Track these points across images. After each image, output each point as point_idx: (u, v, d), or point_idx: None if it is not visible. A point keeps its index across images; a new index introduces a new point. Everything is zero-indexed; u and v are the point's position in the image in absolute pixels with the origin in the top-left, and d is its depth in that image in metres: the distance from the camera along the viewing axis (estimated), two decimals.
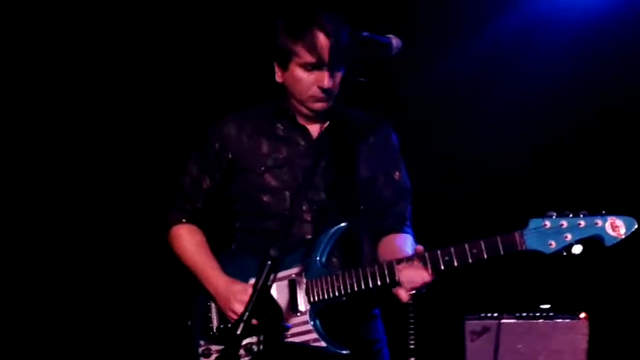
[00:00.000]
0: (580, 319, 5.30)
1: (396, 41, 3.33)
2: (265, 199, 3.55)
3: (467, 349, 5.48)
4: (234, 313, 3.41)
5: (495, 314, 5.45)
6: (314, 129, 3.61)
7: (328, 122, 3.57)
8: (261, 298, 2.83)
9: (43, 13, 5.68)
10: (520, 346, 5.36)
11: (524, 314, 5.41)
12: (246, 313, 2.82)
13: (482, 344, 5.43)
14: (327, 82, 3.42)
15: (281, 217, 3.40)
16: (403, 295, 3.28)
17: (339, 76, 3.46)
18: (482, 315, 5.50)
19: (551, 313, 5.38)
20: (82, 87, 5.82)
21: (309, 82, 3.45)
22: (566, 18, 5.80)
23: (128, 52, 5.85)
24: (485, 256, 3.14)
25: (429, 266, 3.24)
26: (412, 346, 5.45)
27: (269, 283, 2.90)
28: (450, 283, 5.82)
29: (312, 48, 3.39)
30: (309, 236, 3.49)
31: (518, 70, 5.90)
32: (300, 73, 3.44)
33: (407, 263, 3.26)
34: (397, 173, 3.67)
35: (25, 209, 5.82)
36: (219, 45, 5.83)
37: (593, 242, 2.99)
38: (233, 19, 5.74)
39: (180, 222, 3.72)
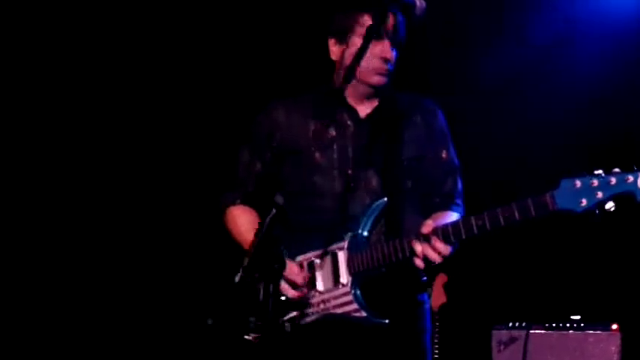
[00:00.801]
0: (612, 330, 5.15)
1: (420, 2, 3.33)
2: (315, 178, 3.61)
3: None
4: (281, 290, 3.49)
5: (524, 324, 5.33)
6: (362, 110, 3.65)
7: (377, 103, 3.62)
8: (264, 246, 2.81)
9: (42, 13, 5.68)
10: (549, 357, 5.22)
11: (554, 325, 5.28)
12: (246, 259, 2.81)
13: (510, 355, 5.32)
14: (389, 53, 3.50)
15: (330, 195, 3.53)
16: (418, 262, 3.34)
17: (394, 53, 3.55)
18: (511, 325, 5.38)
19: (582, 324, 5.24)
20: (95, 83, 5.88)
21: (374, 53, 3.49)
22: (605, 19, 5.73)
23: (149, 44, 5.88)
24: (518, 218, 3.11)
25: (450, 238, 3.29)
26: (437, 356, 5.35)
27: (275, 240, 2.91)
28: (477, 291, 5.88)
29: (379, 18, 3.38)
30: (353, 213, 3.55)
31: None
32: (364, 44, 3.34)
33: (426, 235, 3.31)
34: (444, 152, 3.70)
35: (24, 209, 5.81)
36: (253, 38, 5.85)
37: (626, 199, 2.95)
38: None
39: (234, 204, 3.79)
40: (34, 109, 5.78)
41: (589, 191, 2.98)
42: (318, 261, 3.52)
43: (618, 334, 5.11)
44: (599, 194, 2.96)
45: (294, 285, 3.50)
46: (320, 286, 3.51)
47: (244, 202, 3.79)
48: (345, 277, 3.47)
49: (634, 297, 5.57)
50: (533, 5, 5.79)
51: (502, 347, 5.35)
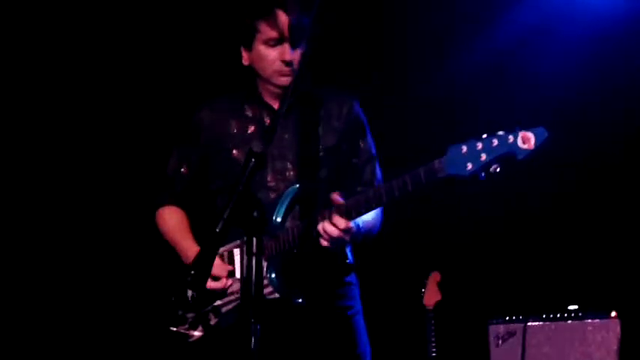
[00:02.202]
0: (611, 317, 5.08)
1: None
2: (234, 173, 3.66)
3: (492, 355, 5.30)
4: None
5: (521, 317, 5.26)
6: (278, 106, 3.79)
7: (293, 99, 3.72)
8: (243, 198, 2.80)
9: (41, 12, 5.67)
10: (549, 349, 5.14)
11: (552, 316, 5.21)
12: (227, 212, 2.79)
13: (508, 349, 5.25)
14: (288, 55, 3.65)
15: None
16: (323, 242, 3.41)
17: (298, 52, 3.67)
18: (507, 318, 5.30)
19: (580, 314, 5.17)
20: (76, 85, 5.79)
21: (273, 57, 3.69)
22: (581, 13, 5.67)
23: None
24: (410, 188, 3.20)
25: (350, 214, 3.35)
26: (434, 354, 5.27)
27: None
28: (471, 287, 5.80)
29: (274, 24, 3.65)
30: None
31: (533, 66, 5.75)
32: (264, 50, 3.69)
33: (329, 213, 3.38)
34: (361, 141, 3.81)
35: (24, 209, 5.78)
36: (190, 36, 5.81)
37: (509, 159, 2.98)
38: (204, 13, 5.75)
39: (163, 205, 3.97)
40: (31, 109, 5.74)
41: (474, 155, 3.02)
42: (237, 250, 3.65)
43: (617, 321, 5.05)
44: (483, 156, 3.00)
45: (215, 277, 3.62)
46: (238, 274, 3.63)
47: (172, 204, 3.95)
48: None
49: (631, 284, 5.52)
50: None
51: (500, 342, 5.27)
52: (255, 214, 2.82)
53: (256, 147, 2.82)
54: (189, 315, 3.75)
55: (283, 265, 3.57)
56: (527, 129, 2.94)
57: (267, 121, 3.78)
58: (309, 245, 3.48)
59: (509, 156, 2.97)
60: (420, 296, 5.44)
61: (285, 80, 3.69)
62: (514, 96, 5.65)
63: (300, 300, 3.53)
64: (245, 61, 3.78)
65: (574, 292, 5.48)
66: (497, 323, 5.30)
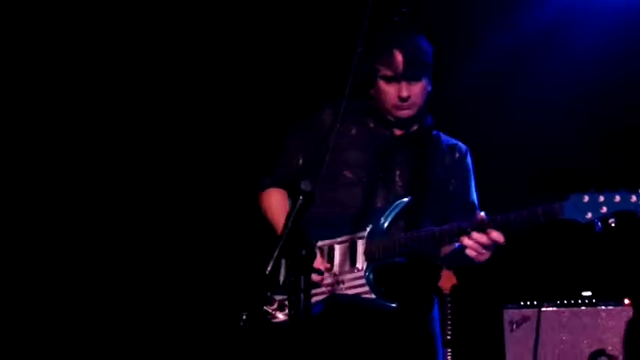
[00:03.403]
0: (625, 304, 5.15)
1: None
2: (345, 172, 3.84)
3: (506, 340, 5.37)
4: None
5: (535, 302, 5.33)
6: (398, 129, 3.93)
7: (415, 127, 3.93)
8: (292, 236, 2.84)
9: (41, 12, 5.69)
10: (562, 335, 5.21)
11: (566, 302, 5.27)
12: (277, 251, 2.84)
13: (523, 334, 5.32)
14: (404, 92, 3.80)
15: (358, 189, 3.78)
16: (470, 252, 3.50)
17: (418, 86, 3.83)
18: (522, 304, 5.38)
19: (594, 300, 5.23)
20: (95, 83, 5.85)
21: (392, 93, 3.84)
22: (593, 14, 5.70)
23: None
24: (528, 225, 3.43)
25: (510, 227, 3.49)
26: (449, 337, 5.34)
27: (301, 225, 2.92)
28: (487, 271, 5.84)
29: (389, 64, 3.81)
30: (376, 208, 3.77)
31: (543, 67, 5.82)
32: (384, 86, 3.85)
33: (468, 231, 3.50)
34: (468, 184, 3.96)
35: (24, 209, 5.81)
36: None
37: (628, 215, 3.28)
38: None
39: (271, 187, 3.99)
40: (28, 109, 5.77)
41: (595, 206, 3.34)
42: (338, 246, 3.72)
43: (630, 309, 5.11)
44: (604, 209, 3.32)
45: (314, 270, 3.58)
46: (336, 269, 3.68)
47: (281, 187, 3.98)
48: (360, 263, 3.65)
49: None
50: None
51: (514, 327, 5.34)
52: (303, 252, 2.87)
53: (305, 186, 2.86)
54: (278, 297, 3.76)
55: (382, 269, 3.64)
56: None
57: (387, 134, 3.90)
58: (419, 256, 3.64)
59: (628, 213, 3.30)
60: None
61: (403, 113, 3.85)
62: None
63: (393, 305, 3.59)
64: (372, 94, 3.93)
65: (588, 279, 5.54)
66: (511, 308, 5.38)
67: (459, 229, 3.50)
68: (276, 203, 3.95)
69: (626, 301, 5.15)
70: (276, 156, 4.00)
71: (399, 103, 3.84)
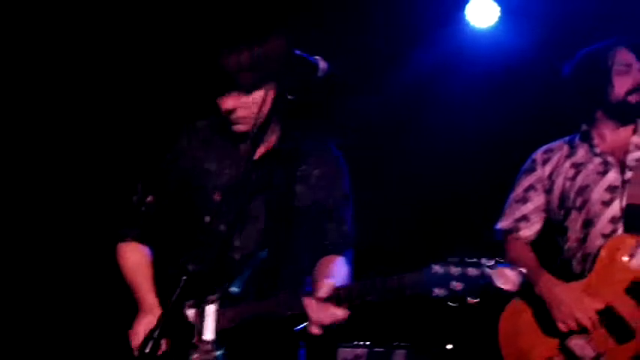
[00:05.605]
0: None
1: (323, 64, 3.28)
2: (206, 219, 3.54)
3: None
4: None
5: (367, 343, 5.59)
6: (259, 150, 3.43)
7: (273, 145, 3.54)
8: (173, 315, 2.86)
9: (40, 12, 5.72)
10: None
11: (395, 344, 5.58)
12: (157, 331, 2.81)
13: None
14: (223, 105, 3.42)
15: (214, 236, 3.43)
16: (314, 330, 3.20)
17: (249, 98, 3.35)
18: (355, 343, 5.59)
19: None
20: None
21: (222, 108, 3.46)
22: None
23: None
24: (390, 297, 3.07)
25: (343, 304, 3.14)
26: None
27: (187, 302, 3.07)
28: None
29: (218, 73, 3.39)
30: (233, 261, 3.47)
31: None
32: (218, 100, 3.44)
33: (317, 298, 3.15)
34: (338, 192, 3.59)
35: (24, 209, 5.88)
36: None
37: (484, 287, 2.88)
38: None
39: (125, 239, 3.68)
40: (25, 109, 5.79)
41: (446, 279, 2.88)
42: (191, 312, 3.38)
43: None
44: (458, 286, 2.87)
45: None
46: (186, 336, 3.37)
47: (135, 239, 3.65)
48: (209, 334, 3.35)
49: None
50: None
51: None
52: (184, 334, 2.95)
53: (191, 267, 2.83)
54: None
55: (234, 340, 3.33)
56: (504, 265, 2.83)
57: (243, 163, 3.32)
58: (274, 322, 3.30)
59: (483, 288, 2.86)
60: None
61: (236, 128, 3.44)
62: None
63: None
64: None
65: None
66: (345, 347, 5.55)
67: (295, 303, 3.19)
68: (126, 262, 3.62)
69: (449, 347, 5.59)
70: (129, 201, 3.66)
71: (228, 118, 3.44)
